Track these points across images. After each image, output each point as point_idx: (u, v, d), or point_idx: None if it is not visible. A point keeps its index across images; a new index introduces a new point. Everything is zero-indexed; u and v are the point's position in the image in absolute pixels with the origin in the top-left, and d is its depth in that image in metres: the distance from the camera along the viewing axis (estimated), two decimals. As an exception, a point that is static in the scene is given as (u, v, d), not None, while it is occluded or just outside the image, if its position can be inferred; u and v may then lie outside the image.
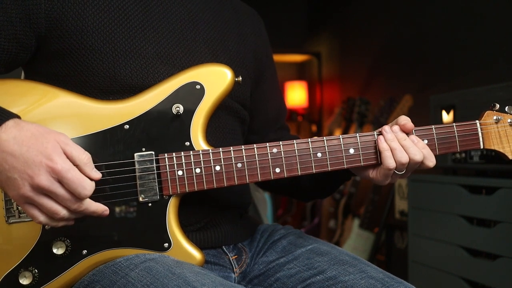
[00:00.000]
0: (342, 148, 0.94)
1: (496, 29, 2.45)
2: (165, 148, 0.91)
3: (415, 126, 0.95)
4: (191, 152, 0.91)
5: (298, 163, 0.93)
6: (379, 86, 3.62)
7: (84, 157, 0.80)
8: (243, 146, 0.92)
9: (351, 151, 0.94)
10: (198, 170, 0.91)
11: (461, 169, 1.92)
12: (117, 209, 0.89)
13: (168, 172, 0.90)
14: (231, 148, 0.92)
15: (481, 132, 0.98)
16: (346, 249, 1.40)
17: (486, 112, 0.99)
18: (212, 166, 0.91)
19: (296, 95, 4.82)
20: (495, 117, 0.98)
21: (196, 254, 0.92)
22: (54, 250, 0.88)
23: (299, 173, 0.93)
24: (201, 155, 0.91)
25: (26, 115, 0.88)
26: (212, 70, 0.96)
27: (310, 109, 4.90)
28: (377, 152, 0.94)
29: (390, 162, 0.92)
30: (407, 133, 0.94)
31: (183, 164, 0.91)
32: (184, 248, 0.91)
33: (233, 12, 1.14)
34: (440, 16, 2.90)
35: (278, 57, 4.54)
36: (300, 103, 4.81)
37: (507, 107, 0.98)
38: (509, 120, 0.98)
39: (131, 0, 0.98)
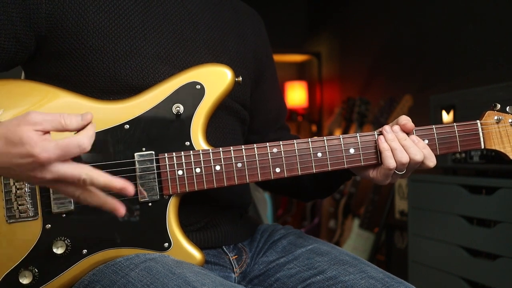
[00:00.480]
0: (343, 148, 0.94)
1: (496, 29, 2.45)
2: (165, 148, 0.91)
3: (416, 126, 0.95)
4: (191, 152, 0.91)
5: (298, 163, 0.93)
6: (379, 86, 3.62)
7: (57, 117, 0.75)
8: (243, 146, 0.92)
9: (352, 151, 0.94)
10: (198, 170, 0.91)
11: (461, 169, 1.92)
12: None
13: (168, 171, 0.90)
14: (231, 148, 0.92)
15: (482, 132, 0.98)
16: (346, 249, 1.40)
17: (487, 112, 0.99)
18: (212, 166, 0.91)
19: (296, 95, 4.82)
20: (496, 117, 0.98)
21: (196, 254, 0.92)
22: (54, 250, 0.88)
23: (299, 173, 0.93)
24: (201, 155, 0.91)
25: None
26: (212, 70, 0.96)
27: (310, 109, 4.90)
28: (378, 152, 0.94)
29: (390, 162, 0.92)
30: (408, 133, 0.94)
31: (183, 164, 0.91)
32: (184, 248, 0.91)
33: (233, 12, 1.14)
34: (440, 16, 2.90)
35: (278, 57, 4.53)
36: (300, 103, 4.81)
37: (508, 107, 0.98)
38: (510, 120, 0.98)
39: (131, 0, 0.98)
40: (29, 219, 0.87)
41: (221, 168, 0.91)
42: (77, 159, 0.78)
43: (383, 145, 0.93)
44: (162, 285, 0.79)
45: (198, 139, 0.93)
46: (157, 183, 0.90)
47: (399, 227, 2.90)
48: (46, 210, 0.88)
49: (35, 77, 0.97)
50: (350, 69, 4.13)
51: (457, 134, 0.97)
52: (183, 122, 0.93)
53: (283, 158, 0.93)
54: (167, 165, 0.90)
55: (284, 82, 4.83)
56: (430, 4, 3.00)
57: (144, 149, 0.91)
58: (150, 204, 0.91)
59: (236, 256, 1.05)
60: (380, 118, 3.02)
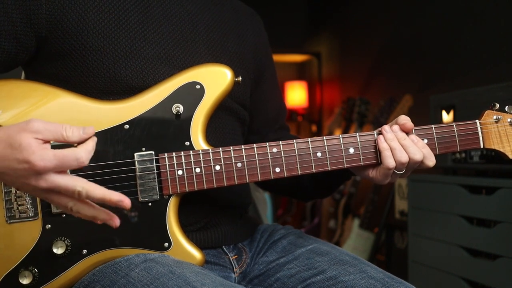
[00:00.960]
0: (342, 147, 0.94)
1: (496, 29, 2.45)
2: (165, 148, 0.92)
3: (415, 126, 0.95)
4: (191, 151, 0.91)
5: (298, 162, 0.93)
6: (379, 86, 3.62)
7: (59, 128, 0.74)
8: (243, 146, 0.92)
9: (351, 150, 0.94)
10: (198, 170, 0.91)
11: (461, 169, 1.92)
12: (117, 209, 0.89)
13: (168, 171, 0.90)
14: (231, 147, 0.92)
15: (481, 132, 0.98)
16: (346, 249, 1.40)
17: (486, 112, 0.99)
18: (212, 166, 0.91)
19: (296, 95, 4.82)
20: (495, 117, 0.98)
21: (196, 254, 0.92)
22: (54, 250, 0.88)
23: (299, 172, 0.93)
24: (201, 154, 0.91)
25: (27, 116, 0.88)
26: (212, 70, 0.96)
27: (310, 109, 4.90)
28: (377, 152, 0.94)
29: (390, 162, 0.92)
30: (407, 132, 0.94)
31: (183, 163, 0.91)
32: (184, 248, 0.91)
33: (232, 13, 1.14)
34: (440, 16, 2.90)
35: (278, 57, 4.54)
36: (300, 103, 4.81)
37: (507, 106, 0.98)
38: (509, 120, 0.98)
39: (131, 1, 0.98)
40: (29, 219, 0.87)
41: (221, 168, 0.92)
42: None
43: (382, 144, 0.93)
44: (162, 285, 0.79)
45: (198, 139, 0.93)
46: (157, 183, 0.90)
47: (399, 227, 2.90)
48: (46, 210, 0.88)
49: (35, 77, 0.98)
50: (350, 69, 4.13)
51: (456, 133, 0.97)
52: (183, 122, 0.93)
53: (283, 158, 0.93)
54: (167, 165, 0.90)
55: (284, 82, 4.83)
56: (430, 4, 3.00)
57: (144, 149, 0.91)
58: (150, 204, 0.91)
59: (236, 256, 1.05)
60: (380, 118, 3.02)
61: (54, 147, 0.74)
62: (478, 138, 0.98)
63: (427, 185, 1.97)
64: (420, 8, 3.10)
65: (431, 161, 0.94)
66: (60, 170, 0.73)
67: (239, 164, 0.92)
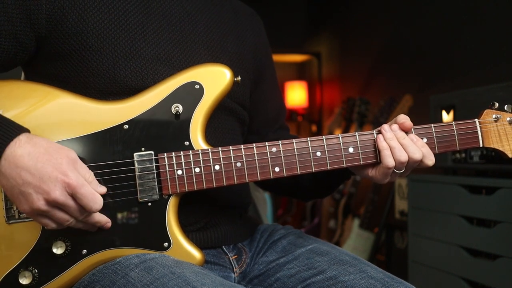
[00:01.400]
0: (342, 147, 0.94)
1: (496, 29, 2.45)
2: (165, 148, 0.91)
3: (415, 126, 0.95)
4: (190, 151, 0.91)
5: (297, 162, 0.93)
6: (379, 86, 3.62)
7: (90, 175, 0.85)
8: (242, 146, 0.92)
9: (351, 150, 0.94)
10: (197, 170, 0.91)
11: (461, 169, 1.92)
12: (117, 209, 0.90)
13: (167, 171, 0.90)
14: (230, 147, 0.92)
15: (481, 131, 0.98)
16: (346, 249, 1.40)
17: (485, 111, 0.99)
18: (212, 166, 0.91)
19: (296, 95, 4.82)
20: (494, 116, 0.98)
21: (196, 253, 0.92)
22: (54, 250, 0.88)
23: (299, 172, 0.93)
24: (200, 154, 0.91)
25: (27, 116, 0.88)
26: (211, 70, 0.96)
27: (310, 109, 4.90)
28: (376, 151, 0.94)
29: (389, 161, 0.92)
30: (406, 131, 0.94)
31: (183, 163, 0.91)
32: (184, 248, 0.91)
33: (232, 13, 1.14)
34: (440, 16, 2.90)
35: (278, 57, 4.55)
36: (300, 103, 4.81)
37: (506, 105, 0.98)
38: (508, 119, 0.98)
39: (131, 2, 0.98)
40: (29, 219, 0.87)
41: (220, 167, 0.92)
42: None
43: (382, 144, 0.93)
44: (162, 285, 0.79)
45: (197, 138, 0.93)
46: (156, 183, 0.90)
47: (399, 227, 2.90)
48: (45, 210, 0.88)
49: (35, 77, 0.98)
50: (350, 69, 4.13)
51: (455, 132, 0.97)
52: (182, 122, 0.93)
53: (282, 157, 0.93)
54: (167, 165, 0.90)
55: (284, 82, 4.83)
56: (430, 4, 3.00)
57: (143, 149, 0.91)
58: (149, 204, 0.91)
59: (236, 256, 1.05)
60: (380, 118, 3.02)
61: None
62: (478, 137, 0.98)
63: (427, 185, 1.97)
64: (420, 8, 3.10)
65: (430, 160, 0.94)
66: (74, 195, 0.81)
67: (238, 164, 0.92)
